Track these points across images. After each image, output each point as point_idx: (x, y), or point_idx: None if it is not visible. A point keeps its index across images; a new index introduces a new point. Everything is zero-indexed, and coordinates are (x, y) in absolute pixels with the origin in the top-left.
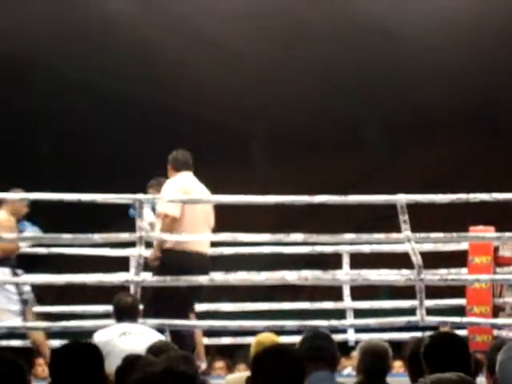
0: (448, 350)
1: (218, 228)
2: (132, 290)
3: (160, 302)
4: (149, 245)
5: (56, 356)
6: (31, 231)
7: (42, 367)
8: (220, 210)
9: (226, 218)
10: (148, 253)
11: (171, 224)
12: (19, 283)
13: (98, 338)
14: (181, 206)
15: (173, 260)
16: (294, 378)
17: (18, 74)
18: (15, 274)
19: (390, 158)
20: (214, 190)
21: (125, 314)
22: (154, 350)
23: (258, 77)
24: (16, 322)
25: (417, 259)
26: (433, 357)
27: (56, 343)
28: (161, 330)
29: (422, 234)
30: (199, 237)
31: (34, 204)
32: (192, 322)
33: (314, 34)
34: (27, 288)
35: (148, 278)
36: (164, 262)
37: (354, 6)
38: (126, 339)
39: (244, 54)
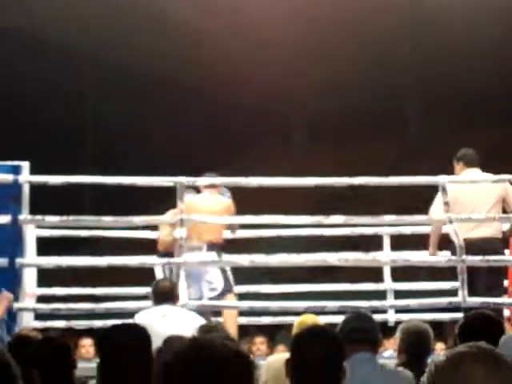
0: (483, 330)
1: (258, 210)
2: (174, 271)
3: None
4: None
5: (105, 336)
6: None
7: (85, 348)
8: (260, 192)
9: (265, 200)
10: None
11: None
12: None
13: (139, 320)
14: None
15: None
16: (333, 359)
17: (67, 60)
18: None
19: (429, 140)
20: (254, 172)
21: (163, 297)
22: (206, 328)
23: (295, 60)
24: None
25: (458, 240)
26: (467, 337)
27: (99, 323)
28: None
29: (464, 215)
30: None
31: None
32: (233, 302)
33: (351, 19)
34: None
35: (189, 259)
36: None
37: None
38: (166, 321)
39: (283, 39)
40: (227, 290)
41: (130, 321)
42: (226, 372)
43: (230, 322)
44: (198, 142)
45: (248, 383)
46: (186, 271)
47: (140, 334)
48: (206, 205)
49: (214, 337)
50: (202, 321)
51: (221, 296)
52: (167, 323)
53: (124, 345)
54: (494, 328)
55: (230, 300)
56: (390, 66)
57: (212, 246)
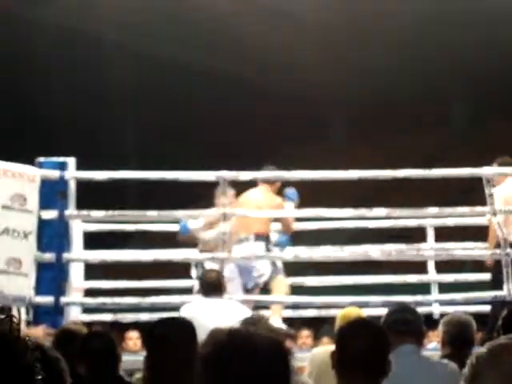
0: None
1: (300, 204)
2: (217, 267)
3: None
4: None
5: (151, 330)
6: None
7: (132, 341)
8: (302, 185)
9: (308, 194)
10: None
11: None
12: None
13: (185, 313)
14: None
15: None
16: (378, 351)
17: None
18: (268, 250)
19: (469, 132)
20: (295, 165)
21: (211, 288)
22: (251, 321)
23: (336, 51)
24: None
25: (502, 233)
26: (509, 328)
27: (145, 317)
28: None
29: (508, 207)
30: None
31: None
32: (277, 297)
33: (395, 7)
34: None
35: (236, 252)
36: None
37: None
38: (212, 314)
39: (327, 30)
40: (275, 273)
41: (175, 314)
42: (262, 362)
43: (276, 309)
44: (237, 136)
45: (285, 375)
46: (236, 265)
47: (186, 328)
48: (254, 199)
49: (256, 328)
50: (248, 313)
51: (270, 279)
52: (213, 316)
53: (170, 338)
54: None
55: (279, 281)
56: (431, 60)
57: (259, 237)
